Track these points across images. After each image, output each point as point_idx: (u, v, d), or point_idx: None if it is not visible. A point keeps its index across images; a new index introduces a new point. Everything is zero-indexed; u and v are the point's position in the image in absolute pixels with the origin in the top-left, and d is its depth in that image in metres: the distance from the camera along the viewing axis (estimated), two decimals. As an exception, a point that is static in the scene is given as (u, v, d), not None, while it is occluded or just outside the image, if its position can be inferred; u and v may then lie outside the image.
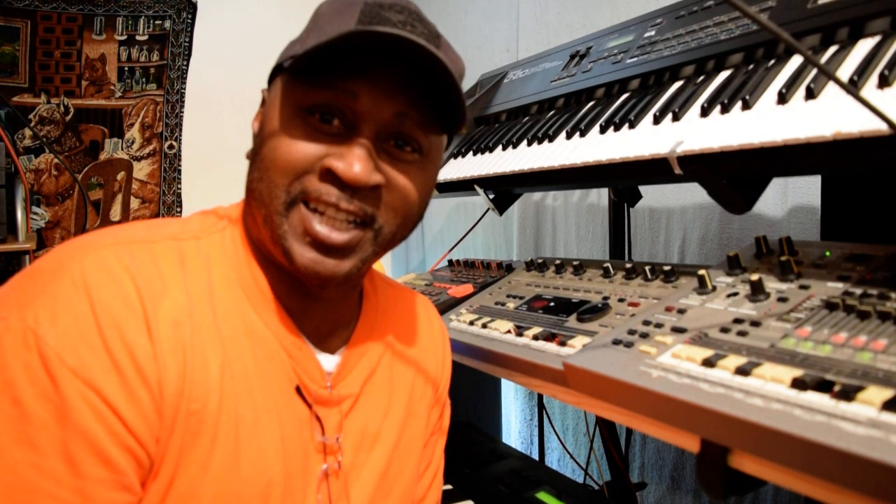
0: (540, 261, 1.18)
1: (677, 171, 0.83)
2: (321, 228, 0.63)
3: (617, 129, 0.99)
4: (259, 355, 0.66)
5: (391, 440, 0.78)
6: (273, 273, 0.69)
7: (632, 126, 0.96)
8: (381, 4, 0.65)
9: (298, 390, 0.68)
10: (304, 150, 0.63)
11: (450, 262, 1.53)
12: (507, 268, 1.29)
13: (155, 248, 0.63)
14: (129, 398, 0.56)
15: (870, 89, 0.68)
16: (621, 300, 0.89)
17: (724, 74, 0.92)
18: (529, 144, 1.17)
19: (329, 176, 0.62)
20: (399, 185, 0.66)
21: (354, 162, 0.62)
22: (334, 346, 0.75)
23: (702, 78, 0.95)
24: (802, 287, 0.71)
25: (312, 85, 0.63)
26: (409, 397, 0.82)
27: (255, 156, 0.67)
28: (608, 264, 1.02)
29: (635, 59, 1.08)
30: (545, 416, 1.74)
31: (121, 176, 2.63)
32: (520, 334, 0.91)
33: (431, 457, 0.88)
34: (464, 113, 0.67)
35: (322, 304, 0.71)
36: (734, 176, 0.82)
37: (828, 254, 0.77)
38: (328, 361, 0.73)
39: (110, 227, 0.66)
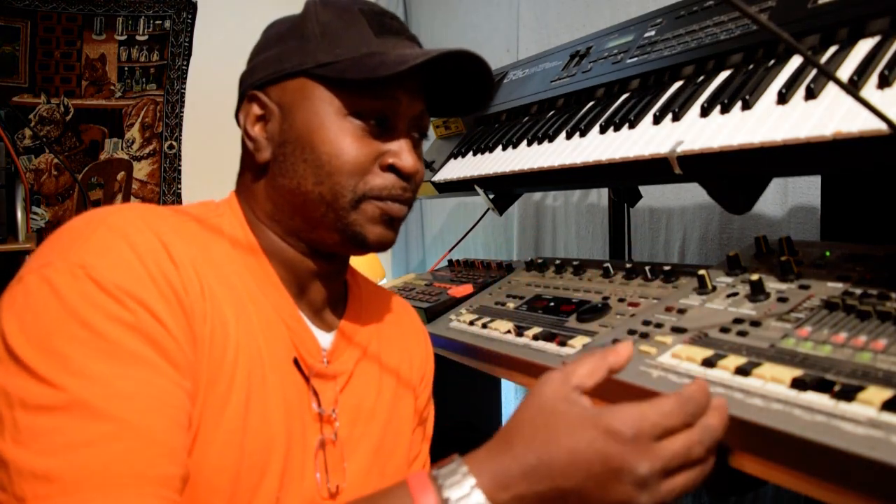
0: (540, 261, 1.18)
1: (677, 171, 0.83)
2: (392, 211, 0.75)
3: (617, 129, 0.99)
4: (263, 324, 0.71)
5: (383, 418, 0.82)
6: (276, 258, 0.76)
7: (632, 126, 0.96)
8: (378, 12, 0.76)
9: (296, 362, 0.73)
10: (364, 152, 0.73)
11: (450, 262, 1.53)
12: (507, 268, 1.29)
13: (165, 217, 0.69)
14: (176, 321, 0.61)
15: (870, 89, 0.68)
16: (621, 300, 0.89)
17: (724, 74, 0.92)
18: (529, 144, 1.17)
19: (390, 170, 0.74)
20: (420, 165, 0.77)
21: (408, 157, 0.74)
22: (328, 325, 0.80)
23: (702, 78, 0.95)
24: (802, 287, 0.71)
25: (362, 94, 0.72)
26: (398, 380, 0.86)
27: (294, 161, 0.73)
28: (608, 264, 1.02)
29: (635, 59, 1.08)
30: (545, 416, 1.74)
31: (121, 176, 2.63)
32: (520, 334, 0.91)
33: (419, 453, 0.91)
34: (492, 96, 0.83)
35: (317, 285, 0.78)
36: (734, 176, 0.82)
37: (828, 254, 0.77)
38: (323, 338, 0.78)
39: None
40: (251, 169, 0.77)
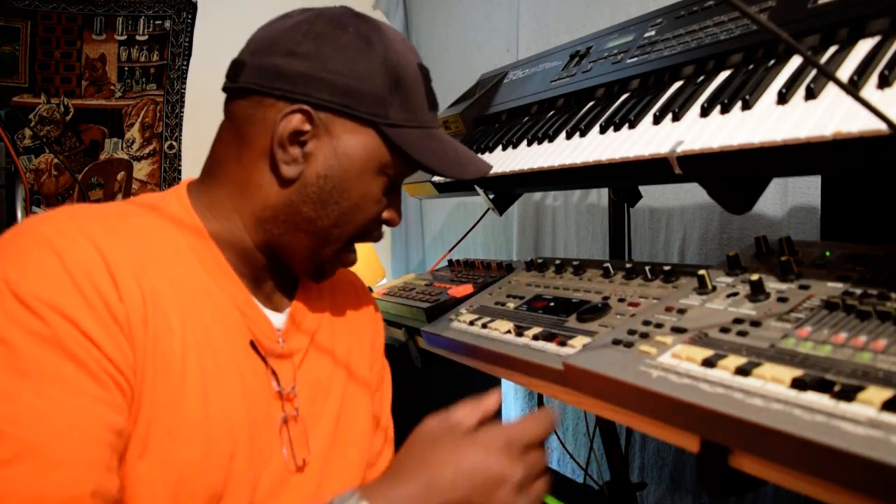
0: (540, 261, 1.18)
1: (677, 171, 0.83)
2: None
3: (617, 129, 0.99)
4: (215, 313, 0.73)
5: (340, 390, 0.87)
6: (229, 246, 0.77)
7: (632, 126, 0.96)
8: (428, 76, 0.81)
9: (253, 345, 0.75)
10: (378, 210, 0.80)
11: (450, 262, 1.53)
12: (507, 268, 1.29)
13: (104, 217, 0.69)
14: (105, 331, 0.61)
15: (870, 89, 0.68)
16: (621, 300, 0.89)
17: (724, 74, 0.92)
18: (529, 144, 1.17)
19: (383, 222, 0.82)
20: None
21: (399, 214, 0.84)
22: (280, 306, 0.83)
23: (702, 78, 0.95)
24: (802, 287, 0.71)
25: (406, 162, 0.78)
26: (351, 351, 0.90)
27: (326, 199, 0.76)
28: (608, 264, 1.02)
29: (635, 59, 1.08)
30: (545, 416, 1.74)
31: (121, 176, 2.63)
32: (520, 334, 0.91)
33: (380, 415, 0.95)
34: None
35: (271, 272, 0.81)
36: (734, 176, 0.82)
37: (828, 254, 0.77)
38: (277, 319, 0.81)
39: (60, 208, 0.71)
40: (255, 170, 0.75)
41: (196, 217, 0.75)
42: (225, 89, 0.77)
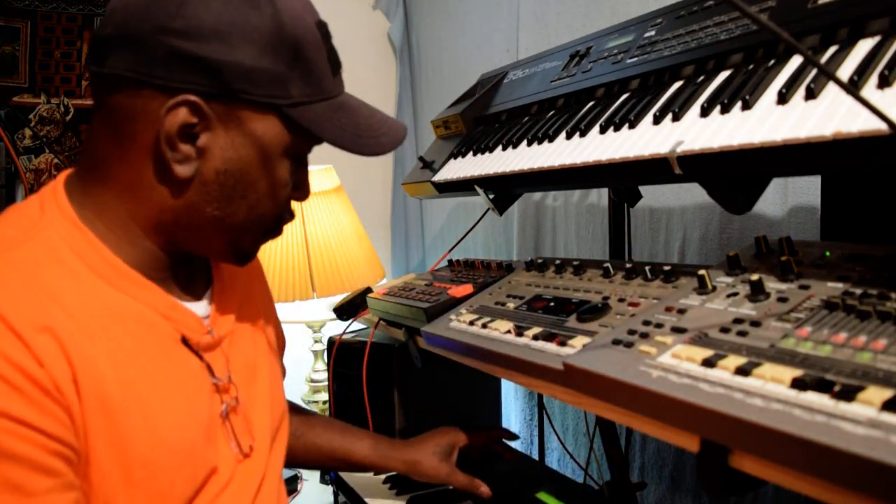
0: (540, 261, 1.18)
1: (677, 171, 0.83)
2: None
3: (617, 129, 0.98)
4: (138, 332, 0.67)
5: (266, 366, 0.87)
6: (131, 254, 0.69)
7: (632, 126, 0.96)
8: (328, 35, 0.73)
9: (184, 341, 0.72)
10: (287, 192, 0.75)
11: (450, 262, 1.53)
12: (507, 268, 1.29)
13: None
14: (38, 409, 0.56)
15: (870, 89, 0.68)
16: (621, 300, 0.89)
17: (724, 74, 0.92)
18: (529, 144, 1.17)
19: (294, 198, 0.78)
20: None
21: (309, 190, 0.80)
22: (199, 292, 0.80)
23: (702, 78, 0.95)
24: (802, 287, 0.71)
25: (311, 140, 0.73)
26: (258, 319, 0.90)
27: (230, 195, 0.69)
28: (608, 264, 1.02)
29: (635, 59, 1.08)
30: (545, 416, 1.74)
31: (121, 176, 2.63)
32: (520, 334, 0.91)
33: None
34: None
35: (183, 266, 0.77)
36: (734, 176, 0.81)
37: (828, 254, 0.77)
38: (199, 307, 0.78)
39: None
40: (143, 170, 0.66)
41: (86, 230, 0.66)
42: (91, 73, 0.67)
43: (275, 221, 0.76)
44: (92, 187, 0.69)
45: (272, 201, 0.73)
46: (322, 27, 0.71)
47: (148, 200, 0.68)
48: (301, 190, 0.77)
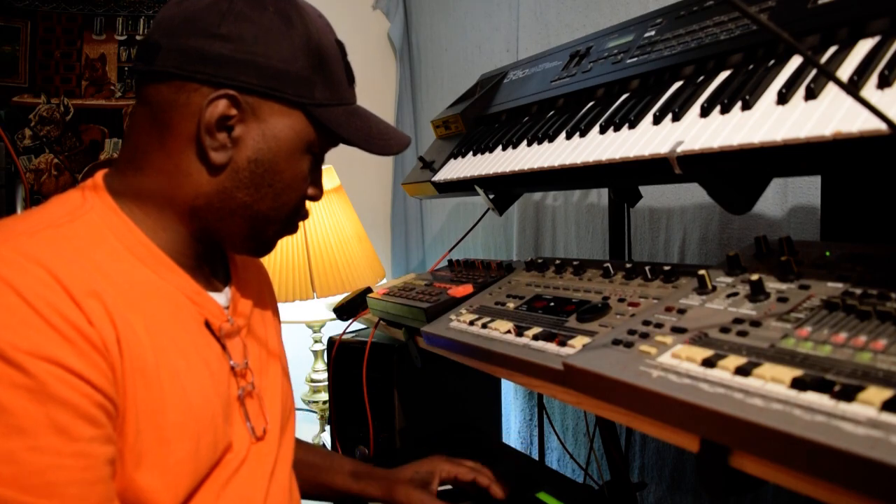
0: (540, 261, 1.18)
1: (677, 171, 0.83)
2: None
3: (617, 129, 0.99)
4: (169, 309, 0.74)
5: (277, 363, 0.93)
6: (164, 239, 0.77)
7: (632, 126, 0.96)
8: (344, 50, 0.82)
9: (207, 325, 0.78)
10: (306, 187, 0.83)
11: (450, 262, 1.53)
12: (507, 268, 1.29)
13: (39, 238, 0.66)
14: (86, 360, 0.61)
15: (870, 89, 0.68)
16: (621, 300, 0.89)
17: (724, 74, 0.92)
18: (529, 144, 1.17)
19: (308, 197, 0.85)
20: None
21: (322, 190, 0.88)
22: (219, 287, 0.87)
23: (702, 78, 0.95)
24: (802, 287, 0.71)
25: (332, 140, 0.81)
26: (268, 313, 0.97)
27: (259, 183, 0.77)
28: (608, 264, 1.02)
29: (635, 59, 1.08)
30: (545, 416, 1.74)
31: (121, 176, 2.63)
32: (520, 334, 0.91)
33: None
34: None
35: (208, 257, 0.84)
36: (734, 176, 0.81)
37: (828, 254, 0.77)
38: (221, 298, 0.85)
39: None
40: (182, 158, 0.74)
41: (124, 216, 0.74)
42: (137, 72, 0.75)
43: (294, 213, 0.83)
44: (131, 177, 0.76)
45: (295, 192, 0.81)
46: (340, 45, 0.82)
47: (184, 186, 0.75)
48: (315, 188, 0.85)
